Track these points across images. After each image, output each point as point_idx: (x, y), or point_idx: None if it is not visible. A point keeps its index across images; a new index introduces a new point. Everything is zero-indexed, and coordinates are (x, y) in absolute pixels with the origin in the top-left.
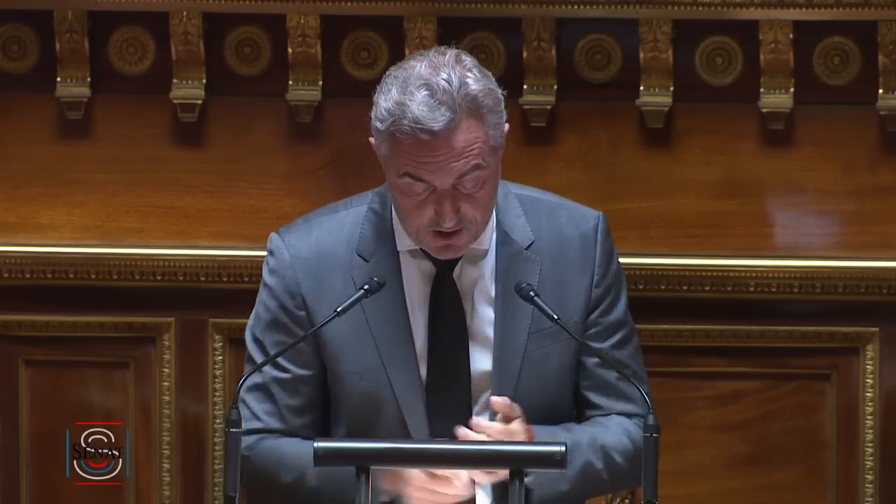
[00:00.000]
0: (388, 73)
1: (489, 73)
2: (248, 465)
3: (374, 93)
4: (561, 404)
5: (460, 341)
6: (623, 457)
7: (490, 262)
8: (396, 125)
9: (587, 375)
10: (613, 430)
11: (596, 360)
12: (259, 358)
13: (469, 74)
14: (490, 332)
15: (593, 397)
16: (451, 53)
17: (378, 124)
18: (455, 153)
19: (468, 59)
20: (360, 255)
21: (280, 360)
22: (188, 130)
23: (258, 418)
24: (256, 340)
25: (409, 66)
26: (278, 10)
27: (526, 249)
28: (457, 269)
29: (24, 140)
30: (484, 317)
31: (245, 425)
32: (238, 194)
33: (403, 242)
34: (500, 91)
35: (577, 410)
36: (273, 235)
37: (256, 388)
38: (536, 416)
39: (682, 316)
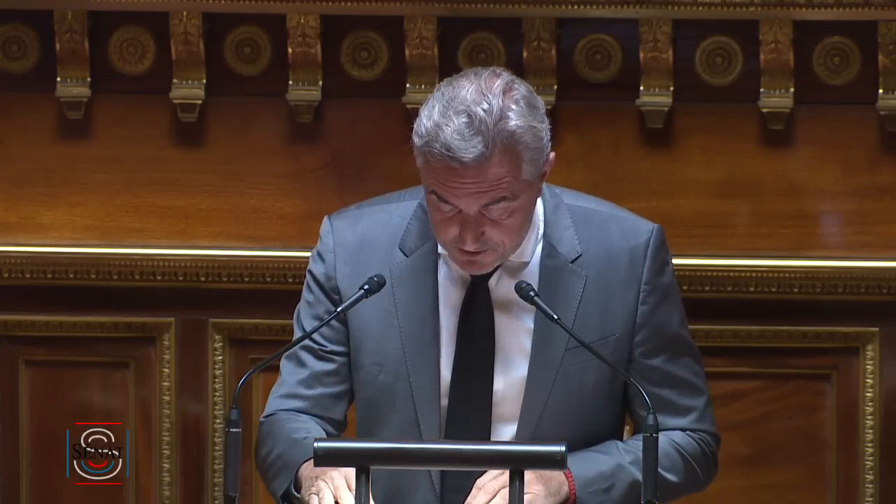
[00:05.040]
0: (440, 85)
1: (538, 104)
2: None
3: (424, 102)
4: (597, 420)
5: (487, 350)
6: (672, 471)
7: (533, 273)
8: (429, 146)
9: (637, 392)
10: (661, 444)
11: (646, 376)
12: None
13: (513, 107)
14: (526, 342)
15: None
16: (503, 80)
17: (416, 139)
18: (483, 184)
19: (520, 90)
20: (401, 250)
21: (315, 336)
22: (188, 130)
23: (286, 383)
24: (297, 320)
25: (458, 86)
26: (278, 10)
27: (572, 262)
28: (493, 279)
29: (24, 140)
30: (521, 327)
31: (273, 390)
32: (238, 194)
33: None
34: (545, 126)
35: (635, 428)
36: (325, 219)
37: (290, 356)
38: (567, 429)
39: None
